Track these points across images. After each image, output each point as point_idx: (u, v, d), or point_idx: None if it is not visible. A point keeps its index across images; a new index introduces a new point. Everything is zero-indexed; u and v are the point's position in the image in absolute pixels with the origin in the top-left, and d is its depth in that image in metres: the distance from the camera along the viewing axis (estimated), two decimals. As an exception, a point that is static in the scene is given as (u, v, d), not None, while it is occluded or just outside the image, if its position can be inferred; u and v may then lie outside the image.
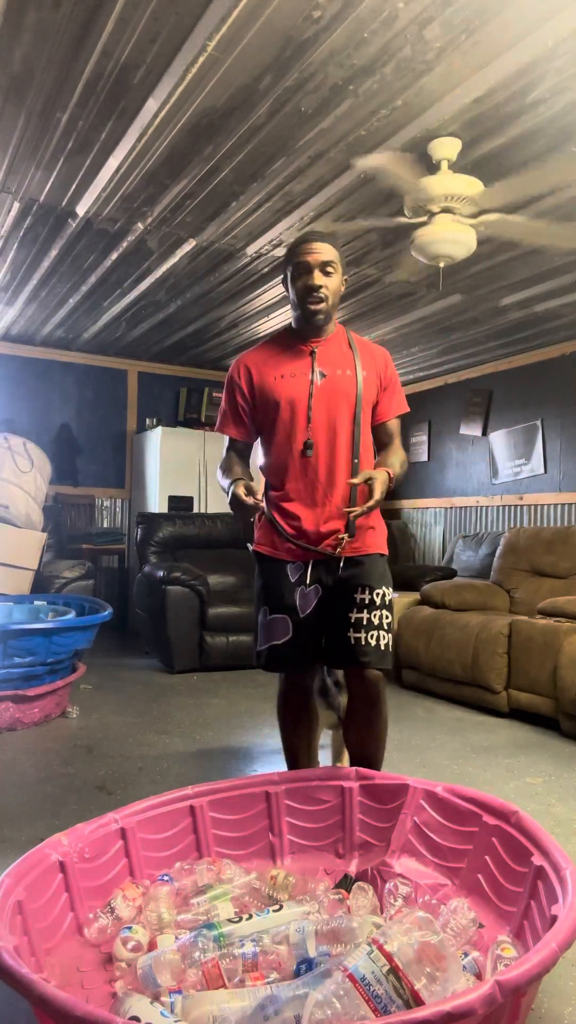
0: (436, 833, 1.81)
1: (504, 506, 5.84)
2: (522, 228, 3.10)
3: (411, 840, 1.84)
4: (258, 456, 2.33)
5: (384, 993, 1.11)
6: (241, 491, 2.03)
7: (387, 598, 2.18)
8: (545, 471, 5.46)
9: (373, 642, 2.12)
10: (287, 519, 2.17)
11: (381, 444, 2.29)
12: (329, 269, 2.13)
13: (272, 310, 4.90)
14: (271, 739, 3.31)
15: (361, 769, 2.03)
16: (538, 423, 5.50)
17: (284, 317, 4.98)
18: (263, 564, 2.26)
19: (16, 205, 3.41)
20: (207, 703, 4.05)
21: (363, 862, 1.90)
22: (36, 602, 4.43)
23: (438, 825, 1.81)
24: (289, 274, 2.17)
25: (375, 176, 3.00)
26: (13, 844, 2.14)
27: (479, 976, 1.35)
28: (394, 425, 2.29)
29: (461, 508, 6.28)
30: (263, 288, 4.46)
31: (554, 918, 1.22)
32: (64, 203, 3.38)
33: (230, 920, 1.54)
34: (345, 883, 1.77)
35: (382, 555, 2.24)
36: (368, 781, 1.98)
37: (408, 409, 2.36)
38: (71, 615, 4.01)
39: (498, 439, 5.86)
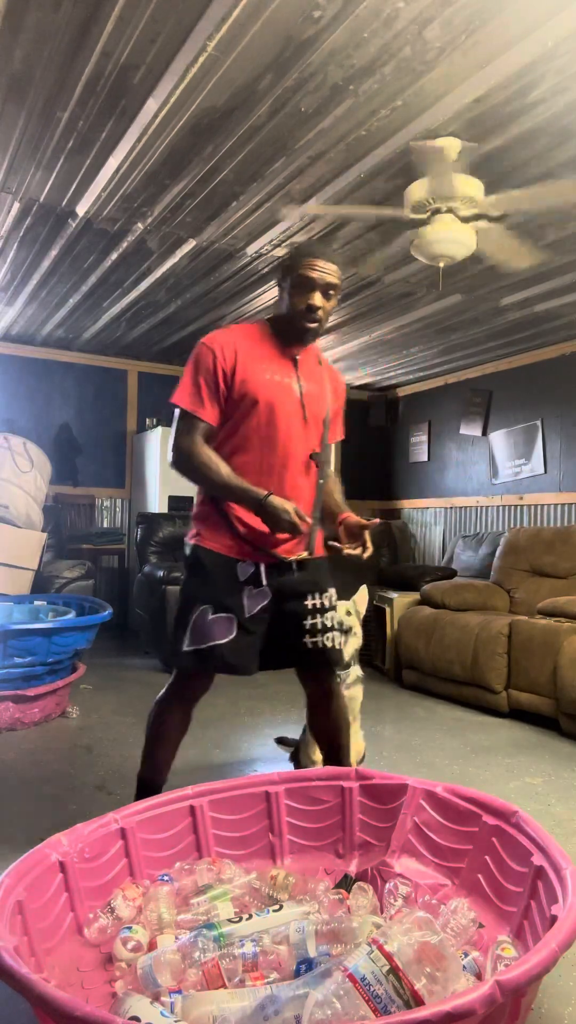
0: (436, 833, 1.81)
1: (504, 506, 5.85)
2: (528, 197, 3.00)
3: (411, 840, 1.84)
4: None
5: (384, 993, 1.11)
6: (293, 513, 1.96)
7: (334, 599, 2.23)
8: (545, 471, 5.46)
9: (331, 644, 2.16)
10: (244, 519, 2.10)
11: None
12: (331, 292, 2.11)
13: (272, 310, 4.89)
14: (271, 739, 3.31)
15: (361, 769, 2.03)
16: (538, 423, 5.50)
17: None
18: (207, 559, 2.12)
19: (16, 205, 3.41)
20: (207, 703, 4.01)
21: (363, 862, 1.90)
22: (36, 602, 4.43)
23: (438, 825, 1.81)
24: (290, 282, 2.11)
25: (369, 179, 3.00)
26: (13, 844, 2.14)
27: (479, 976, 1.35)
28: (332, 450, 2.32)
29: (461, 508, 6.28)
30: (263, 288, 4.46)
31: (554, 918, 1.22)
32: (64, 203, 3.38)
33: (230, 920, 1.54)
34: (345, 883, 1.77)
35: (325, 558, 2.25)
36: (368, 781, 1.98)
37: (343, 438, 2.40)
38: (71, 615, 4.01)
39: (498, 439, 5.86)
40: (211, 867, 1.78)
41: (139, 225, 3.60)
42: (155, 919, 1.57)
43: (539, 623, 3.87)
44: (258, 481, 2.05)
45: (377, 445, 7.26)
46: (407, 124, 2.66)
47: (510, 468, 5.77)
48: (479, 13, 2.10)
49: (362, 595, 2.68)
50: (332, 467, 2.31)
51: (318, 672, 2.20)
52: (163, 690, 2.21)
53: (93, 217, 3.51)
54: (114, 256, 4.00)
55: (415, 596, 4.94)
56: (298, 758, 2.75)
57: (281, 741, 3.20)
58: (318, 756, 2.57)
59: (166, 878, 1.74)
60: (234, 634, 2.07)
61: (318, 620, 2.14)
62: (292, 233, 3.60)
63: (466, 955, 1.38)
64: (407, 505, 6.95)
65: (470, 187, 2.81)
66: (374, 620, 5.09)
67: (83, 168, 3.06)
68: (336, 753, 2.26)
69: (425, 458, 6.69)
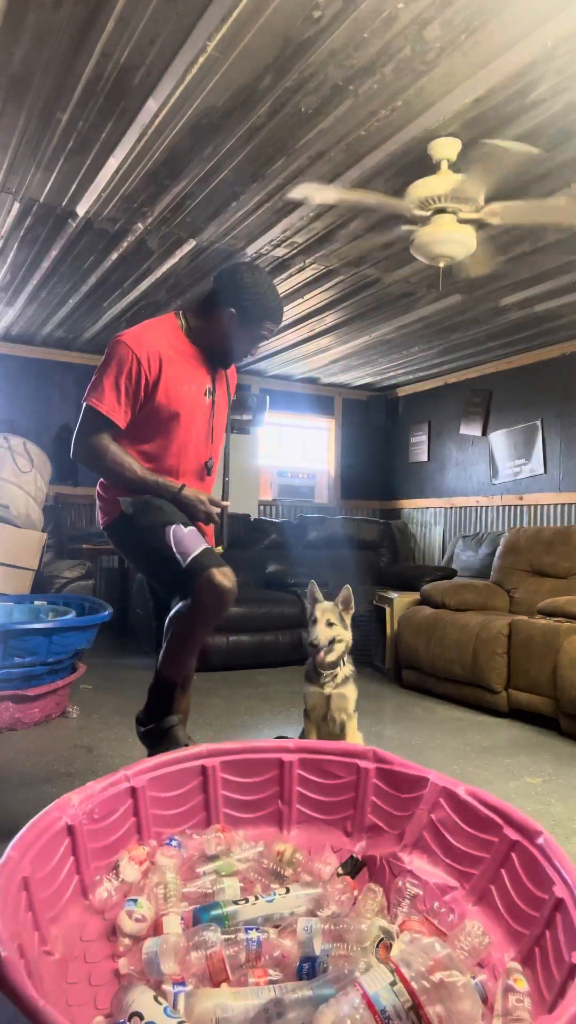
0: (452, 834, 1.73)
1: (504, 506, 5.85)
2: (528, 210, 3.02)
3: (425, 836, 1.80)
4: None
5: None
6: (207, 502, 2.14)
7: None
8: (545, 471, 5.46)
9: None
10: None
11: None
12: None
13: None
14: (271, 739, 3.31)
15: (379, 751, 1.96)
16: (538, 423, 5.50)
17: (285, 318, 4.97)
18: (146, 501, 2.15)
19: (16, 205, 3.41)
20: (207, 703, 4.04)
21: (370, 845, 1.87)
22: (36, 602, 4.43)
23: (455, 826, 1.74)
24: (246, 328, 2.17)
25: (369, 179, 3.00)
26: (13, 844, 2.14)
27: (486, 1001, 1.31)
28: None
29: (461, 508, 6.29)
30: (263, 288, 4.46)
31: (573, 968, 1.16)
32: (64, 203, 3.38)
33: (235, 901, 1.53)
34: (351, 865, 1.75)
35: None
36: (386, 765, 1.93)
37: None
38: (71, 615, 4.01)
39: (498, 439, 5.87)
40: (219, 835, 1.76)
41: (139, 225, 3.60)
42: (161, 891, 1.55)
43: (539, 623, 3.87)
44: (164, 469, 2.19)
45: (377, 445, 7.26)
46: (407, 124, 2.66)
47: (510, 468, 5.77)
48: (479, 13, 2.10)
49: (345, 594, 2.67)
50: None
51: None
52: (185, 610, 2.11)
53: (93, 217, 3.52)
54: (114, 256, 4.00)
55: (415, 596, 4.94)
56: None
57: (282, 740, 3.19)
58: None
59: (173, 843, 1.72)
60: (204, 544, 2.11)
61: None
62: (292, 233, 3.60)
63: (474, 978, 1.33)
64: (407, 505, 6.95)
65: (477, 189, 2.81)
66: (374, 620, 5.09)
67: (83, 168, 3.06)
68: (167, 658, 2.20)
69: (425, 458, 6.69)
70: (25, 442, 5.31)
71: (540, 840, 1.53)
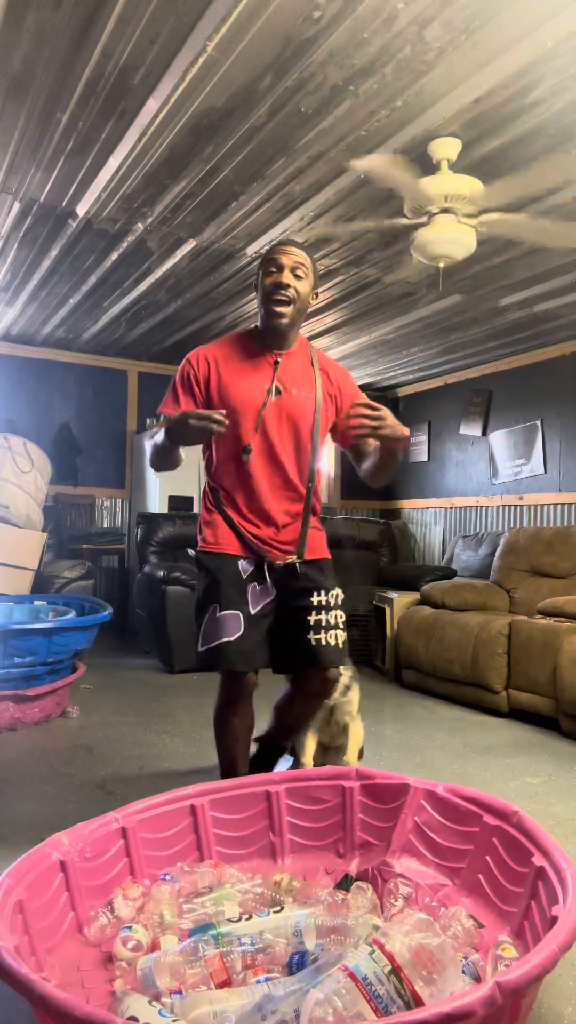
0: (437, 833, 1.81)
1: (504, 506, 5.85)
2: (523, 227, 3.08)
3: (412, 840, 1.84)
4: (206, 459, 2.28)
5: (385, 993, 1.11)
6: (191, 416, 1.92)
7: (340, 598, 2.24)
8: (545, 471, 5.46)
9: (332, 642, 2.17)
10: (240, 519, 2.18)
11: (366, 456, 2.26)
12: (300, 273, 2.11)
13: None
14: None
15: (362, 769, 2.03)
16: (538, 423, 5.50)
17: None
18: (211, 561, 2.17)
19: (16, 205, 3.41)
20: (207, 703, 4.02)
21: (364, 861, 1.90)
22: (36, 602, 4.43)
23: (439, 825, 1.81)
24: (260, 274, 2.14)
25: (372, 178, 3.00)
26: (13, 844, 2.14)
27: (478, 980, 1.35)
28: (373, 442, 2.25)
29: (461, 508, 6.29)
30: (263, 288, 4.46)
31: (554, 919, 1.22)
32: (64, 203, 3.38)
33: (230, 920, 1.54)
34: (345, 883, 1.77)
35: (329, 559, 2.29)
36: (369, 781, 1.98)
37: None
38: (71, 615, 4.01)
39: (498, 439, 5.87)
40: (212, 870, 1.78)
41: (139, 225, 3.60)
42: (156, 920, 1.57)
43: (539, 623, 3.87)
44: (232, 484, 2.17)
45: (377, 445, 7.24)
46: (407, 124, 2.66)
47: (510, 468, 5.77)
48: (479, 13, 2.10)
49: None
50: (371, 462, 2.27)
51: (318, 669, 2.20)
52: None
53: (93, 217, 3.52)
54: (114, 256, 4.00)
55: (415, 596, 4.94)
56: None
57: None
58: (308, 759, 2.57)
59: (168, 877, 1.73)
60: (242, 630, 2.10)
61: (323, 617, 2.16)
62: (292, 233, 3.60)
63: (465, 959, 1.38)
64: (407, 505, 6.95)
65: (464, 186, 2.81)
66: (374, 620, 5.09)
67: (83, 168, 3.06)
68: (280, 734, 2.35)
69: (425, 458, 6.69)
70: (25, 442, 5.31)
71: (516, 819, 1.61)
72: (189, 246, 3.84)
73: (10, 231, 3.70)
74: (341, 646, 2.19)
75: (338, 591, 2.23)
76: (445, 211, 2.87)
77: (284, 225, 3.51)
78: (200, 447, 2.21)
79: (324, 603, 2.17)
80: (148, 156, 2.94)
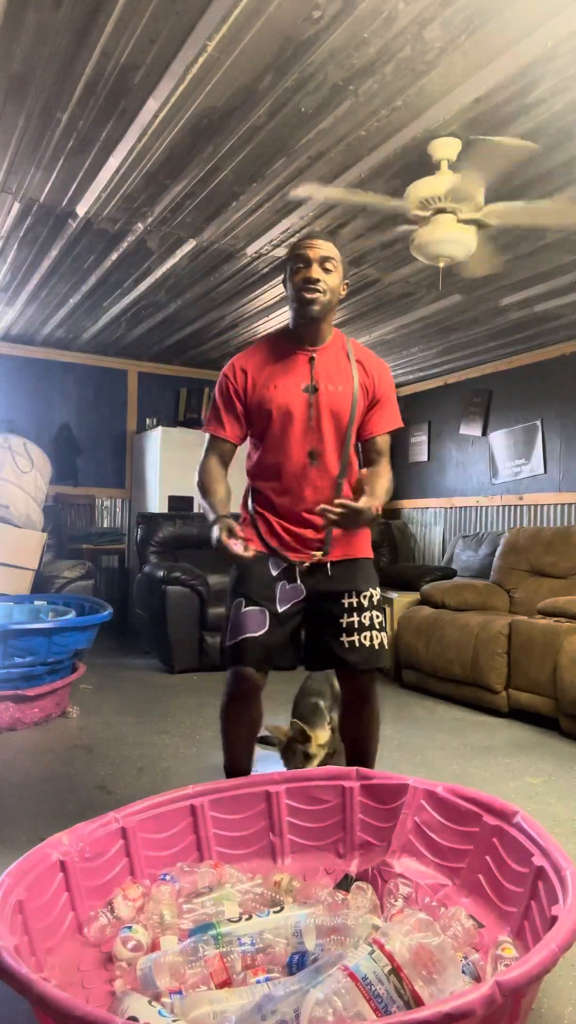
0: (437, 833, 1.80)
1: (504, 506, 5.84)
2: (527, 211, 3.03)
3: (412, 840, 1.84)
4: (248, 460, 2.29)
5: (385, 993, 1.12)
6: (226, 538, 1.95)
7: (375, 599, 2.19)
8: (545, 471, 5.46)
9: (367, 643, 2.14)
10: (276, 519, 2.18)
11: (369, 461, 2.25)
12: (329, 266, 2.09)
13: (272, 310, 4.90)
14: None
15: (362, 769, 2.03)
16: (538, 423, 5.50)
17: (284, 318, 4.97)
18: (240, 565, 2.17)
19: (16, 205, 3.41)
20: (207, 703, 4.04)
21: (363, 862, 1.90)
22: (36, 602, 4.43)
23: (439, 825, 1.81)
24: (288, 270, 2.13)
25: (369, 179, 3.00)
26: (13, 844, 2.14)
27: (478, 980, 1.35)
28: (383, 441, 2.24)
29: (461, 508, 6.28)
30: (263, 288, 4.46)
31: (554, 919, 1.22)
32: (64, 203, 3.38)
33: (230, 920, 1.54)
34: (345, 883, 1.77)
35: (368, 559, 2.25)
36: (369, 781, 1.98)
37: (402, 425, 2.33)
38: (71, 615, 4.01)
39: (498, 439, 5.86)
40: (213, 871, 1.78)
41: (139, 225, 3.60)
42: (156, 920, 1.57)
43: (539, 623, 3.87)
44: (276, 483, 2.16)
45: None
46: (407, 124, 2.66)
47: (510, 468, 5.76)
48: (479, 13, 2.10)
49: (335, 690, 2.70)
50: (385, 461, 2.26)
51: (354, 671, 2.16)
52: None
53: (93, 217, 3.52)
54: (114, 256, 4.00)
55: (415, 596, 4.94)
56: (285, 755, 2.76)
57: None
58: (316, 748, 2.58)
59: (167, 877, 1.73)
60: (267, 627, 2.10)
61: (355, 619, 2.14)
62: (292, 233, 3.60)
63: (465, 958, 1.38)
64: (407, 505, 6.95)
65: (475, 188, 2.80)
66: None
67: (83, 168, 3.06)
68: (358, 759, 2.21)
69: (425, 458, 6.69)
70: (25, 442, 5.31)
71: (517, 819, 1.61)
72: (189, 246, 3.84)
73: (10, 231, 3.70)
74: (377, 647, 2.15)
75: (372, 591, 2.18)
76: (445, 211, 2.87)
77: (284, 225, 3.51)
78: (237, 448, 2.26)
79: (357, 604, 2.15)
80: (148, 156, 2.94)
